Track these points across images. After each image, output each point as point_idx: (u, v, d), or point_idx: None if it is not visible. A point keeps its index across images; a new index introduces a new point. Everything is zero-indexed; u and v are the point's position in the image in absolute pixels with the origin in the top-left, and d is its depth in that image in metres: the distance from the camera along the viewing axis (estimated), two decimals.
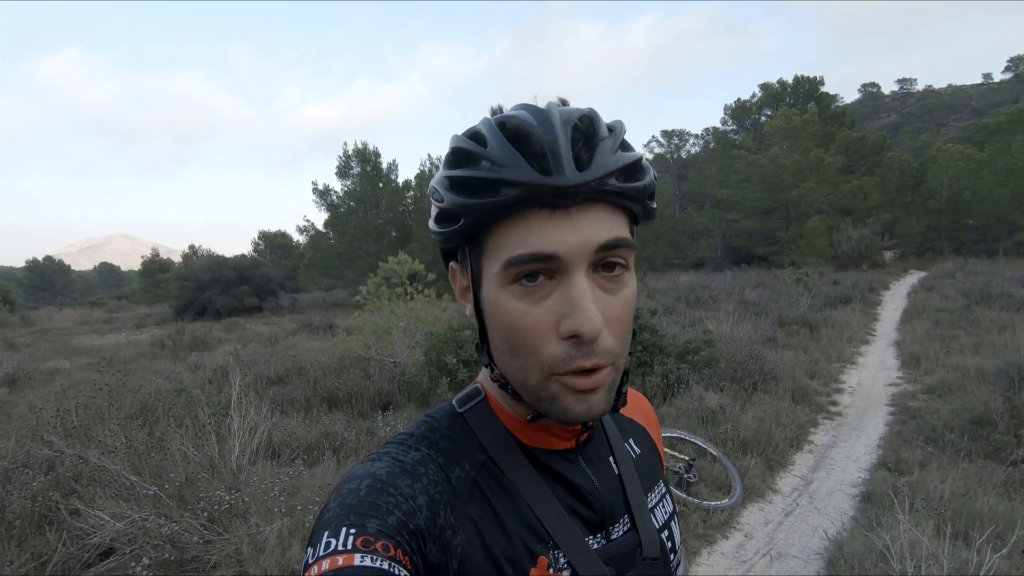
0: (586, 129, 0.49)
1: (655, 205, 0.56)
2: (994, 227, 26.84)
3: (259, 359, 8.50)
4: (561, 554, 0.54)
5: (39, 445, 4.05)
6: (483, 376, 0.63)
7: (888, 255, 25.65)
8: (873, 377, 7.29)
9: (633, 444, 0.70)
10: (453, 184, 0.51)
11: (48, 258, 62.68)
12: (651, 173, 0.54)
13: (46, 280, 59.72)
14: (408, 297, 7.99)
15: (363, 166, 29.66)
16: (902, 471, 4.21)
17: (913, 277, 19.12)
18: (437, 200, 0.53)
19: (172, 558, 2.93)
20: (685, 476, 4.04)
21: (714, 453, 4.39)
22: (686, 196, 39.08)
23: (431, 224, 0.55)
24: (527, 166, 0.48)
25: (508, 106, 0.56)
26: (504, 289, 0.50)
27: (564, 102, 0.54)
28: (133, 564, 2.84)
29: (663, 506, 0.68)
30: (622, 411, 0.73)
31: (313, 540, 0.47)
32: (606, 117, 0.54)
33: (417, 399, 6.26)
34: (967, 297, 11.92)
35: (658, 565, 0.62)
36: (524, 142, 0.49)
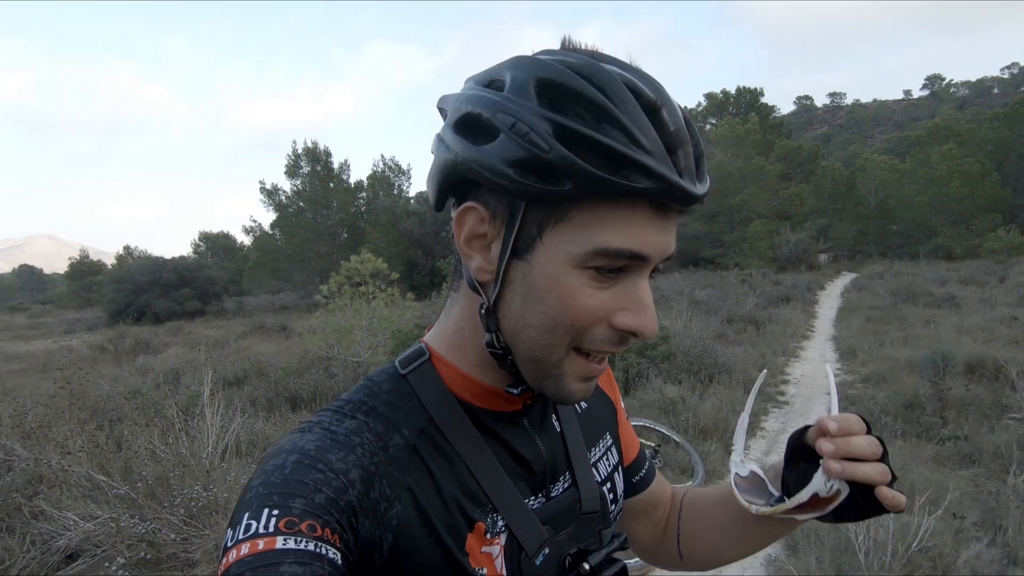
0: (695, 132, 0.47)
1: None
2: (915, 232, 29.03)
3: (214, 361, 8.22)
4: (500, 517, 0.54)
5: None
6: (434, 337, 0.59)
7: (823, 258, 27.30)
8: (815, 369, 7.80)
9: None
10: (564, 135, 0.43)
11: None
12: None
13: None
14: (371, 297, 7.94)
15: (313, 166, 28.99)
16: None
17: (846, 278, 20.44)
18: (531, 143, 0.43)
19: (149, 557, 2.86)
20: (651, 461, 4.24)
21: (677, 440, 4.62)
22: None
23: (494, 160, 0.44)
24: (668, 160, 0.43)
25: None
26: (577, 269, 0.46)
27: (566, 44, 0.49)
28: (107, 565, 2.76)
29: (607, 458, 0.67)
30: None
31: (233, 521, 0.44)
32: None
33: None
34: (894, 296, 12.89)
35: (597, 518, 0.62)
36: (662, 127, 0.44)
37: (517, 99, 0.44)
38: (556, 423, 0.63)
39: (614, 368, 6.47)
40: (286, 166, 28.94)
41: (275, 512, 0.43)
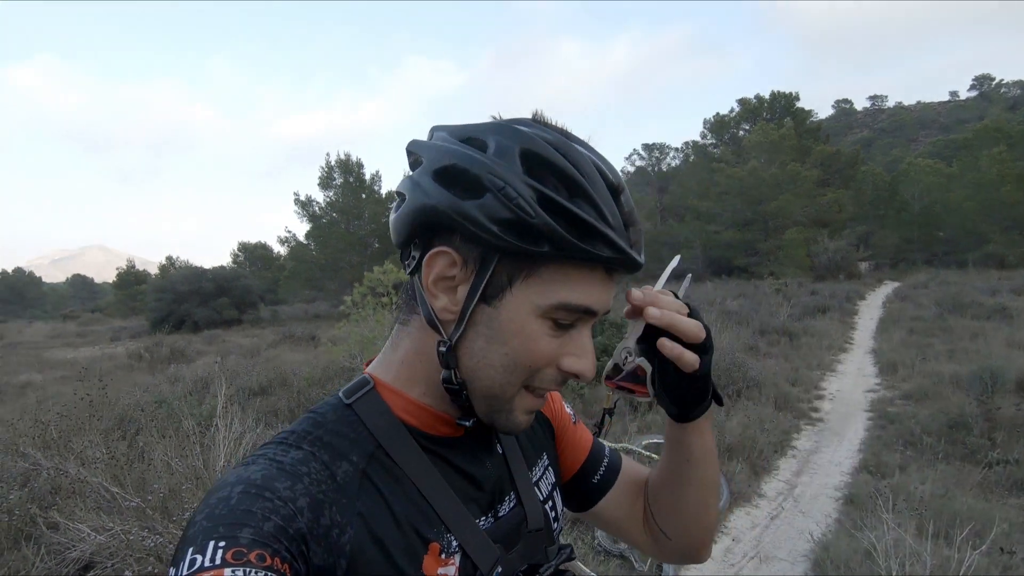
0: (632, 207, 0.54)
1: None
2: (964, 239, 27.68)
3: (241, 370, 8.37)
4: (452, 537, 0.55)
5: (14, 458, 3.94)
6: (380, 368, 0.60)
7: (863, 266, 26.28)
8: (852, 384, 7.44)
9: None
10: (546, 203, 0.48)
11: (18, 270, 61.11)
12: None
13: (16, 292, 58.15)
14: (394, 307, 7.96)
15: (346, 177, 29.56)
16: (883, 474, 4.31)
17: (888, 287, 19.60)
18: (518, 208, 0.47)
19: (156, 571, 2.86)
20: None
21: None
22: (667, 208, 39.66)
23: (479, 215, 0.48)
24: (625, 235, 0.51)
25: (500, 115, 0.55)
26: (539, 319, 0.52)
27: (537, 118, 0.54)
28: None
29: (547, 477, 0.70)
30: None
31: (176, 559, 0.43)
32: (584, 130, 0.56)
33: None
34: (940, 306, 12.26)
35: (542, 535, 0.64)
36: (622, 208, 0.52)
37: (505, 164, 0.49)
38: (498, 445, 0.66)
39: None
40: (319, 178, 29.60)
41: (221, 544, 0.42)
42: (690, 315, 0.58)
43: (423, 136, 0.58)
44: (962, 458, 4.44)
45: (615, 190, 0.52)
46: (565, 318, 0.52)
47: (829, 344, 9.90)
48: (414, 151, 0.56)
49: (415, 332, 0.58)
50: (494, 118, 0.54)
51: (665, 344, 0.56)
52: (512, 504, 0.63)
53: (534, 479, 0.68)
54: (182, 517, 3.07)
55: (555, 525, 0.69)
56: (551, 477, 0.71)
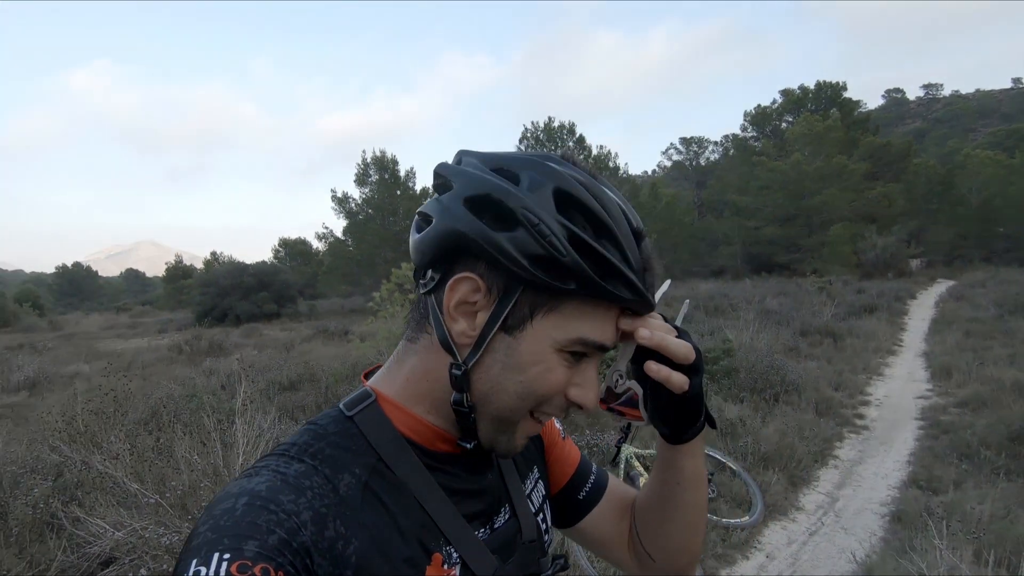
0: (651, 252, 0.56)
1: None
2: None
3: (272, 365, 8.50)
4: (453, 549, 0.56)
5: (47, 451, 4.04)
6: (383, 382, 0.61)
7: (915, 263, 25.00)
8: (901, 389, 7.01)
9: None
10: (577, 244, 0.50)
11: (77, 264, 64.36)
12: None
13: (75, 285, 61.27)
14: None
15: (381, 174, 29.91)
16: (935, 490, 3.99)
17: (941, 286, 18.57)
18: (550, 245, 0.49)
19: (170, 570, 2.86)
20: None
21: (733, 467, 4.20)
22: (705, 203, 38.65)
23: (510, 247, 0.50)
24: (642, 275, 0.53)
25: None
26: (556, 353, 0.53)
27: (567, 156, 0.56)
28: (130, 575, 2.77)
29: (538, 490, 0.72)
30: None
31: (178, 571, 0.42)
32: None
33: None
34: (1000, 307, 11.51)
35: (535, 546, 0.66)
36: (643, 253, 0.54)
37: (539, 201, 0.50)
38: (493, 457, 0.67)
39: None
40: (356, 175, 30.04)
41: (226, 556, 0.42)
42: (680, 336, 0.58)
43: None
44: None
45: (638, 234, 0.54)
46: (582, 350, 0.54)
47: (876, 346, 9.39)
48: (443, 175, 0.57)
49: (423, 351, 0.58)
50: (522, 147, 0.51)
51: (651, 366, 0.56)
52: (507, 516, 0.65)
53: (526, 491, 0.70)
54: (198, 516, 3.06)
55: (546, 537, 0.71)
56: (542, 490, 0.73)
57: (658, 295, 0.64)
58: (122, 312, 41.16)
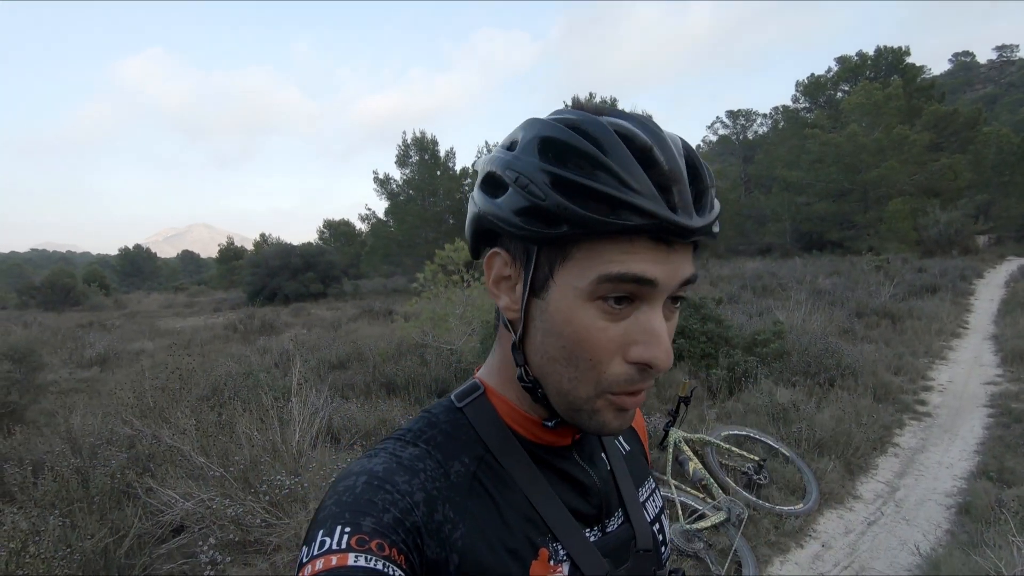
0: (696, 166, 0.49)
1: None
2: None
3: (322, 344, 8.77)
4: (560, 546, 0.55)
5: (120, 424, 4.30)
6: (486, 372, 0.62)
7: (982, 240, 23.52)
8: (967, 374, 6.64)
9: (623, 441, 0.71)
10: (560, 184, 0.47)
11: (137, 246, 67.71)
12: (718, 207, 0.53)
13: (136, 267, 64.61)
14: (464, 284, 7.98)
15: (421, 155, 30.07)
16: (1007, 482, 3.78)
17: (1012, 264, 17.42)
18: (530, 193, 0.48)
19: (236, 539, 3.01)
20: (755, 478, 3.79)
21: (787, 454, 4.09)
22: (752, 179, 37.24)
23: (503, 210, 0.50)
24: (658, 197, 0.46)
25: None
26: (587, 303, 0.49)
27: (576, 103, 0.54)
28: (200, 543, 2.94)
29: (653, 500, 0.70)
30: None
31: (308, 539, 0.47)
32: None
33: None
34: None
35: (651, 557, 0.63)
36: (652, 167, 0.47)
37: (524, 156, 0.50)
38: (606, 460, 0.65)
39: (716, 366, 5.94)
40: (396, 156, 30.31)
41: (347, 529, 0.46)
42: None
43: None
44: None
45: (643, 151, 0.47)
46: (614, 292, 0.48)
47: (939, 328, 8.90)
48: (475, 168, 0.59)
49: (501, 337, 0.60)
50: (567, 104, 0.47)
51: None
52: (620, 521, 0.63)
53: (641, 499, 0.68)
54: (260, 489, 3.21)
55: (663, 550, 0.68)
56: (658, 501, 0.71)
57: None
58: (179, 292, 43.17)
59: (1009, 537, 2.48)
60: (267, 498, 3.16)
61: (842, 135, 25.36)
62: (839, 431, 4.47)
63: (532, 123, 0.51)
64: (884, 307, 9.90)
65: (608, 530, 0.61)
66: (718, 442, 3.90)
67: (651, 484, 0.72)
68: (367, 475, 0.51)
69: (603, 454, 0.66)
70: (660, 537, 0.68)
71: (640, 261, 0.47)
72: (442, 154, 30.45)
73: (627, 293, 0.48)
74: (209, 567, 2.80)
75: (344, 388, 6.40)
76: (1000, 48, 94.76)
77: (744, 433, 4.27)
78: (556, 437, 0.59)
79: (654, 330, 0.48)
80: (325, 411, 4.20)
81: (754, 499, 3.60)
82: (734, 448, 3.95)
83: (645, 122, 0.49)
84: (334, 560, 0.44)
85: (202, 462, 3.41)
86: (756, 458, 3.88)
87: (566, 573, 0.55)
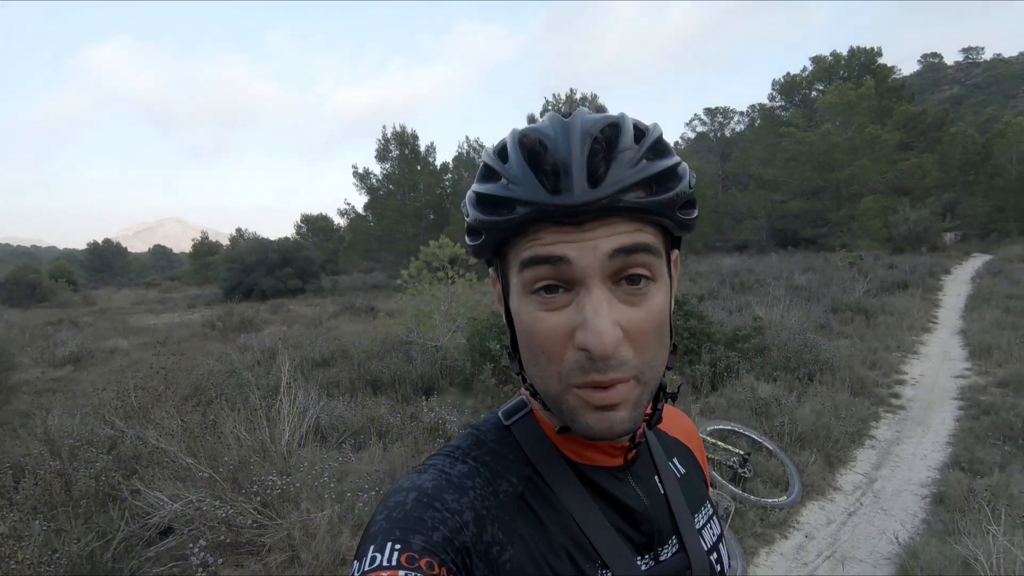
0: (608, 140, 0.48)
1: (695, 213, 0.53)
2: None
3: (304, 341, 8.67)
4: (610, 573, 0.53)
5: (101, 424, 4.21)
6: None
7: (949, 237, 24.27)
8: (937, 368, 6.88)
9: (677, 463, 0.68)
10: (478, 200, 0.52)
11: (107, 241, 65.80)
12: (685, 181, 0.51)
13: (105, 262, 62.79)
14: (449, 281, 7.97)
15: (401, 149, 29.81)
16: (978, 472, 3.94)
17: (977, 261, 18.01)
18: (465, 215, 0.54)
19: (228, 540, 2.98)
20: (740, 471, 3.88)
21: (770, 447, 4.20)
22: (729, 176, 37.80)
23: (465, 236, 0.56)
24: (538, 185, 0.47)
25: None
26: (525, 297, 0.50)
27: (600, 108, 0.53)
28: (191, 545, 2.90)
29: (711, 528, 0.66)
30: (665, 430, 0.72)
31: (359, 553, 0.47)
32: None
33: (459, 384, 6.25)
34: None
35: None
36: (537, 158, 0.48)
37: (472, 186, 0.54)
38: (659, 484, 0.63)
39: (699, 361, 6.04)
40: (376, 150, 29.98)
41: (397, 546, 0.46)
42: None
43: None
44: None
45: (532, 149, 0.48)
46: (536, 279, 0.49)
47: (910, 323, 9.19)
48: None
49: None
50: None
51: None
52: (675, 549, 0.60)
53: (697, 526, 0.64)
54: (250, 490, 3.18)
55: None
56: (716, 528, 0.67)
57: None
58: (151, 288, 42.13)
59: (983, 526, 2.60)
60: (258, 498, 3.14)
61: (816, 134, 25.91)
62: (819, 425, 4.60)
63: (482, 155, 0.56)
64: (858, 303, 10.16)
65: (661, 559, 0.58)
66: (704, 436, 3.98)
67: (708, 510, 0.68)
68: (417, 491, 0.51)
69: (656, 477, 0.63)
70: (718, 568, 0.64)
71: (548, 244, 0.48)
72: (423, 149, 30.24)
73: (551, 279, 0.48)
74: (201, 569, 2.77)
75: (329, 386, 6.35)
76: (967, 50, 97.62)
77: (728, 427, 4.36)
78: (604, 456, 0.58)
79: (585, 313, 0.47)
80: (314, 410, 4.16)
81: (740, 492, 3.69)
82: (719, 442, 4.04)
83: (558, 118, 0.49)
84: None
85: (190, 463, 3.36)
86: (741, 452, 3.97)
87: None
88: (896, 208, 22.74)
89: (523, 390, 0.61)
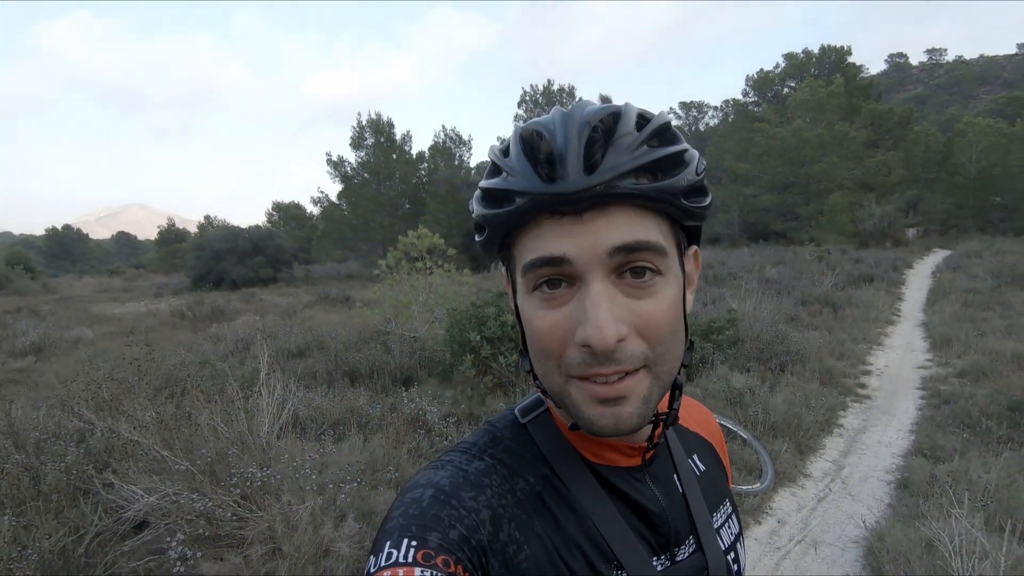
0: (606, 128, 0.47)
1: (706, 202, 0.52)
2: (1023, 204, 26.06)
3: (279, 331, 8.52)
4: (625, 574, 0.53)
5: (69, 416, 4.07)
6: None
7: (911, 233, 25.10)
8: (901, 359, 7.15)
9: (697, 460, 0.67)
10: (482, 196, 0.53)
11: (67, 226, 63.37)
12: (692, 167, 0.50)
13: (65, 248, 60.51)
14: (428, 271, 7.92)
15: (377, 137, 29.39)
16: (939, 458, 4.12)
17: (937, 256, 18.71)
18: (472, 212, 0.54)
19: (206, 533, 2.94)
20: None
21: (744, 436, 4.32)
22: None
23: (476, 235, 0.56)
24: (533, 174, 0.47)
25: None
26: (529, 295, 0.50)
27: (605, 98, 0.51)
28: (168, 539, 2.85)
29: (729, 526, 0.66)
30: (684, 425, 0.70)
31: (375, 549, 0.47)
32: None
33: (438, 375, 6.23)
34: (997, 277, 11.64)
35: None
36: (533, 149, 0.48)
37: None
38: (678, 483, 0.62)
39: None
40: (351, 138, 29.50)
41: (414, 543, 0.46)
42: None
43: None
44: None
45: (529, 141, 0.48)
46: (538, 278, 0.49)
47: (875, 316, 9.51)
48: None
49: None
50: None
51: None
52: (692, 549, 0.60)
53: (715, 525, 0.64)
54: (229, 482, 3.13)
55: None
56: (734, 527, 0.67)
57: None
58: (115, 275, 40.78)
59: (946, 509, 2.72)
60: (238, 491, 3.09)
61: (788, 130, 26.43)
62: (790, 414, 4.74)
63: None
64: (826, 296, 10.47)
65: (678, 559, 0.58)
66: None
67: (727, 508, 0.67)
68: (434, 488, 0.51)
69: (675, 475, 0.63)
70: (735, 567, 0.64)
71: (549, 241, 0.47)
72: (399, 137, 29.86)
73: (553, 276, 0.48)
74: (179, 563, 2.72)
75: (306, 377, 6.27)
76: (931, 51, 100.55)
77: None
78: (622, 456, 0.58)
79: (585, 308, 0.47)
80: (292, 401, 4.11)
81: None
82: None
83: (557, 112, 0.49)
84: (400, 573, 0.44)
85: (165, 455, 3.29)
86: None
87: None
88: (862, 204, 23.44)
89: (536, 387, 0.60)
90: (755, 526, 3.47)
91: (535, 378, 0.54)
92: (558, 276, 0.48)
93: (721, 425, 4.40)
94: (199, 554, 2.77)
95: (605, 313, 0.45)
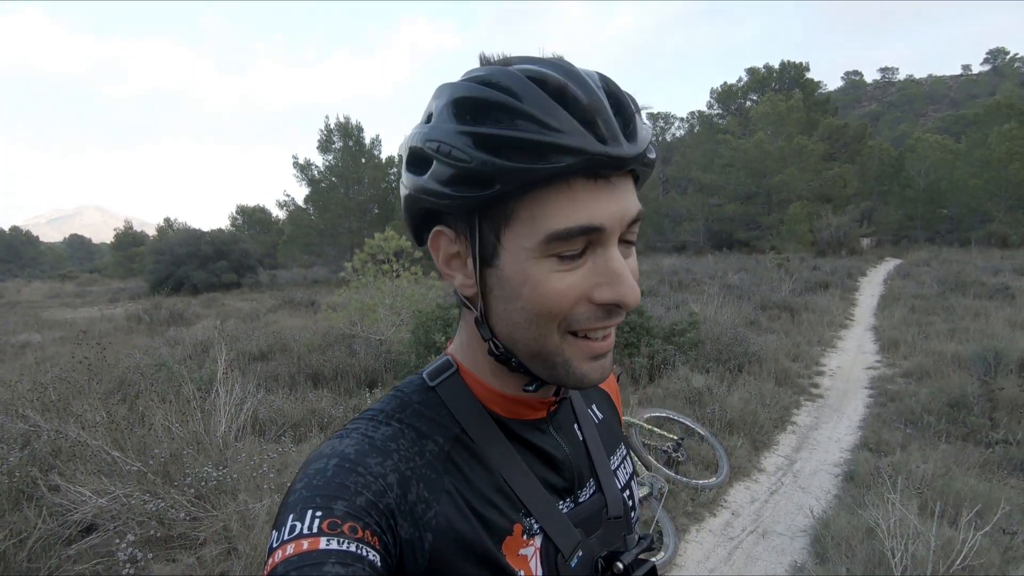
0: (617, 96, 0.48)
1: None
2: (967, 217, 27.46)
3: (241, 335, 8.34)
4: (534, 520, 0.56)
5: (13, 419, 3.92)
6: (457, 349, 0.62)
7: (865, 242, 26.15)
8: (852, 361, 7.44)
9: (596, 409, 0.72)
10: (482, 142, 0.46)
11: (15, 228, 60.57)
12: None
13: (13, 251, 57.81)
14: (394, 274, 7.89)
15: (345, 141, 29.05)
16: (883, 452, 4.32)
17: (889, 264, 19.54)
18: (454, 159, 0.46)
19: (158, 535, 2.87)
20: (673, 455, 4.08)
21: (702, 433, 4.43)
22: (669, 180, 39.19)
23: (432, 184, 0.49)
24: (584, 132, 0.45)
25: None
26: (539, 260, 0.48)
27: (482, 59, 0.52)
28: (117, 541, 2.77)
29: (624, 467, 0.71)
30: None
31: (278, 523, 0.46)
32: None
33: (404, 377, 6.20)
34: (942, 285, 12.22)
35: (621, 523, 0.65)
36: (573, 104, 0.45)
37: (441, 124, 0.48)
38: (579, 431, 0.66)
39: (638, 354, 6.27)
40: (319, 141, 29.07)
41: (318, 513, 0.45)
42: None
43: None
44: (963, 438, 4.44)
45: (558, 90, 0.46)
46: (568, 248, 0.47)
47: (830, 320, 9.88)
48: (400, 152, 0.57)
49: (465, 316, 0.59)
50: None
51: None
52: (592, 491, 0.64)
53: (613, 467, 0.68)
54: (183, 482, 3.06)
55: (632, 515, 0.69)
56: (628, 467, 0.72)
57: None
58: (67, 280, 39.14)
59: (885, 495, 2.87)
60: (192, 491, 3.03)
61: (750, 142, 27.30)
62: (747, 412, 4.90)
63: (443, 89, 0.50)
64: (784, 301, 10.82)
65: (580, 500, 0.62)
66: (641, 423, 4.16)
67: (622, 451, 0.72)
68: (339, 457, 0.50)
69: (575, 425, 0.66)
70: (630, 503, 0.69)
71: (583, 209, 0.46)
72: (367, 141, 29.60)
73: (580, 247, 0.48)
74: (128, 565, 2.65)
75: (267, 380, 6.16)
76: (884, 69, 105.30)
77: (664, 415, 4.57)
78: (530, 410, 0.59)
79: (615, 270, 0.48)
80: (251, 401, 4.04)
81: (673, 475, 3.88)
82: (655, 429, 4.23)
83: (556, 63, 0.48)
84: (305, 544, 0.43)
85: (116, 456, 3.20)
86: (675, 437, 4.18)
87: (539, 545, 0.56)
88: (820, 214, 24.32)
89: (452, 352, 0.62)
90: (710, 518, 3.58)
91: (497, 345, 0.53)
92: (586, 244, 0.48)
93: (679, 422, 4.51)
94: (150, 555, 2.70)
95: (631, 276, 0.49)
